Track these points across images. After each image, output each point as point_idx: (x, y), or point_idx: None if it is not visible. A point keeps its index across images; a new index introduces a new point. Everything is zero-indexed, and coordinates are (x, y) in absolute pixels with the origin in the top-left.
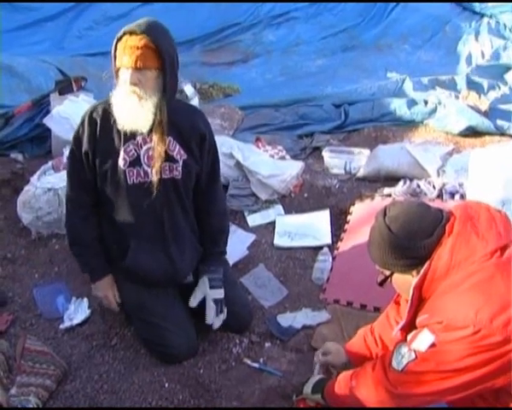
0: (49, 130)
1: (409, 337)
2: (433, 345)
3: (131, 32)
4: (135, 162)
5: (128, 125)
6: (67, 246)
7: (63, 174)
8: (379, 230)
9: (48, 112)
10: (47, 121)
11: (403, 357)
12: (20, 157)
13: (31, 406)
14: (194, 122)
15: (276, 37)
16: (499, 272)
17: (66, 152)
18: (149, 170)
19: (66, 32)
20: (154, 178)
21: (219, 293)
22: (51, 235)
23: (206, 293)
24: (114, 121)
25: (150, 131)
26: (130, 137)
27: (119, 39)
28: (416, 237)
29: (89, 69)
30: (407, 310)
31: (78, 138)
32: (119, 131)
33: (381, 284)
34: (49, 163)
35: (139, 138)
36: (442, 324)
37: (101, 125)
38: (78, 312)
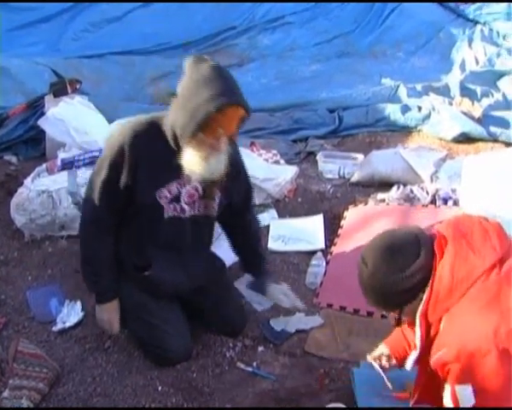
0: (43, 132)
1: (447, 401)
2: (474, 392)
3: (233, 104)
4: (174, 199)
5: (200, 176)
6: (61, 249)
7: (57, 177)
8: (369, 281)
9: (42, 114)
10: (41, 123)
11: None
12: (14, 159)
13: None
14: (232, 157)
15: (271, 41)
16: (503, 287)
17: (61, 154)
18: (186, 207)
19: (61, 34)
20: (188, 209)
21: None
22: (44, 237)
23: (283, 291)
24: (162, 155)
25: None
26: (176, 175)
27: (220, 111)
28: (406, 265)
29: (84, 72)
30: (418, 340)
31: (116, 166)
32: (163, 168)
33: (398, 324)
34: (43, 165)
35: (184, 176)
36: (461, 357)
37: (147, 159)
38: (71, 314)
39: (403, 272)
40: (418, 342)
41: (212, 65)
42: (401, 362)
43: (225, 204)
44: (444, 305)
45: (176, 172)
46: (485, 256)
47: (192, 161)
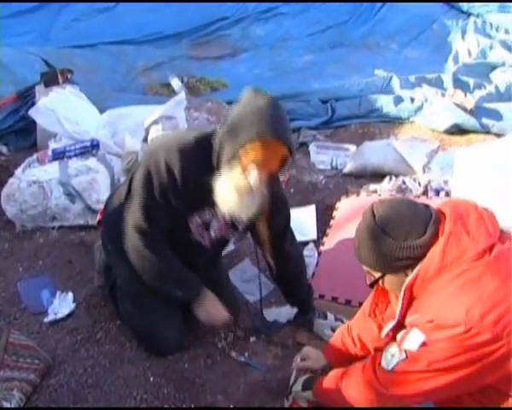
0: (34, 122)
1: (398, 337)
2: (423, 344)
3: (275, 138)
4: (204, 226)
5: (231, 213)
6: (52, 240)
7: (48, 167)
8: (369, 231)
9: (33, 104)
10: (32, 113)
11: (393, 357)
12: (4, 149)
13: (14, 401)
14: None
15: (264, 32)
16: (489, 270)
17: (52, 144)
18: (213, 235)
19: (52, 24)
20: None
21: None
22: (36, 228)
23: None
24: (205, 181)
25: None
26: (209, 203)
27: (262, 142)
28: (410, 238)
29: (75, 61)
30: (398, 310)
31: (165, 190)
32: (202, 194)
33: (372, 285)
34: (34, 156)
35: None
36: (433, 323)
37: (193, 183)
38: (62, 306)
39: (403, 241)
40: (397, 313)
41: (269, 98)
42: (336, 365)
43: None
44: (430, 282)
45: (212, 199)
46: (479, 240)
47: (225, 190)
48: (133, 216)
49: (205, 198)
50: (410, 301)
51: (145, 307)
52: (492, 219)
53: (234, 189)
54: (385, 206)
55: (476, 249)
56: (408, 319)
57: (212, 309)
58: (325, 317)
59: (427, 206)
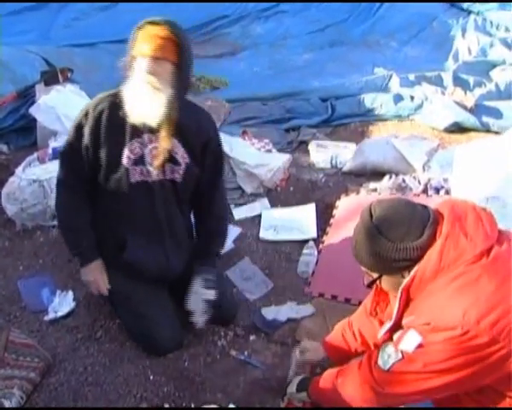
0: (34, 121)
1: (395, 337)
2: (420, 346)
3: (154, 23)
4: (138, 161)
5: (139, 116)
6: (52, 238)
7: (48, 166)
8: (367, 232)
9: (33, 103)
10: (33, 111)
11: (389, 357)
12: (4, 148)
13: (14, 399)
14: (200, 124)
15: (264, 30)
16: (486, 273)
17: (52, 143)
18: (152, 169)
19: (52, 22)
20: (154, 173)
21: (212, 294)
22: (36, 227)
23: (198, 292)
24: (121, 116)
25: (157, 129)
26: (136, 134)
27: (140, 28)
28: (407, 239)
29: (75, 60)
30: (395, 311)
31: (79, 129)
32: (124, 128)
33: (370, 286)
34: (35, 154)
35: (145, 136)
36: (430, 325)
37: (107, 119)
38: (62, 304)
39: (400, 243)
40: (394, 314)
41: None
42: (335, 358)
43: (195, 176)
44: (427, 284)
45: (136, 132)
46: (477, 243)
47: (128, 96)
48: (58, 171)
49: (128, 132)
50: (406, 302)
51: (139, 308)
52: (491, 219)
53: (133, 90)
54: (383, 206)
55: (474, 252)
56: (405, 321)
57: (91, 278)
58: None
59: (425, 207)
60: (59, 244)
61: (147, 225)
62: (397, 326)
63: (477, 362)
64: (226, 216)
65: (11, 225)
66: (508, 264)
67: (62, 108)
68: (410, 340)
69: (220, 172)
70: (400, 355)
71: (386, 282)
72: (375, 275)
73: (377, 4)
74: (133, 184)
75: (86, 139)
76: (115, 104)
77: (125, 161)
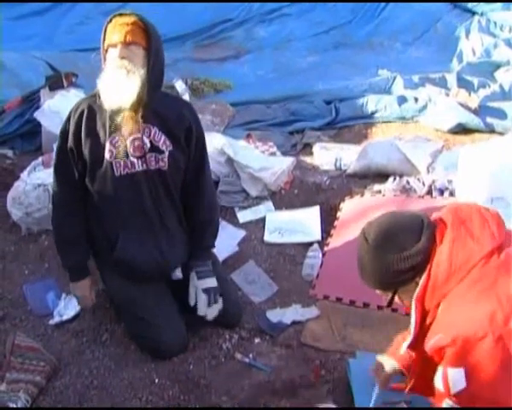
0: (39, 125)
1: (440, 387)
2: (467, 376)
3: (121, 14)
4: (121, 154)
5: (114, 100)
6: None
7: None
8: (368, 256)
9: (38, 108)
10: (38, 115)
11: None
12: (10, 153)
13: (20, 402)
14: (180, 113)
15: (267, 33)
16: (501, 274)
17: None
18: (136, 161)
19: (56, 27)
20: (138, 164)
21: (210, 282)
22: (41, 231)
23: (195, 285)
24: (100, 114)
25: (137, 119)
26: (116, 128)
27: (109, 22)
28: (406, 246)
29: (80, 65)
30: (413, 325)
31: (64, 133)
32: (104, 124)
33: (390, 305)
34: (39, 159)
35: (125, 130)
36: (457, 341)
37: (86, 118)
38: (68, 308)
39: (401, 253)
40: (412, 327)
41: None
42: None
43: (181, 163)
44: (441, 291)
45: (116, 125)
46: (484, 243)
47: (102, 86)
48: (52, 184)
49: (109, 127)
50: (423, 313)
51: (143, 312)
52: (498, 219)
53: (107, 77)
54: (373, 226)
55: (482, 252)
56: (432, 341)
57: (78, 294)
58: None
59: (414, 213)
60: None
61: (137, 220)
62: (417, 342)
63: None
64: (216, 204)
65: (16, 229)
66: None
67: (67, 113)
68: (455, 380)
69: (205, 157)
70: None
71: (401, 296)
72: (391, 293)
73: (381, 6)
74: (118, 177)
75: (70, 142)
76: (94, 103)
77: (107, 155)
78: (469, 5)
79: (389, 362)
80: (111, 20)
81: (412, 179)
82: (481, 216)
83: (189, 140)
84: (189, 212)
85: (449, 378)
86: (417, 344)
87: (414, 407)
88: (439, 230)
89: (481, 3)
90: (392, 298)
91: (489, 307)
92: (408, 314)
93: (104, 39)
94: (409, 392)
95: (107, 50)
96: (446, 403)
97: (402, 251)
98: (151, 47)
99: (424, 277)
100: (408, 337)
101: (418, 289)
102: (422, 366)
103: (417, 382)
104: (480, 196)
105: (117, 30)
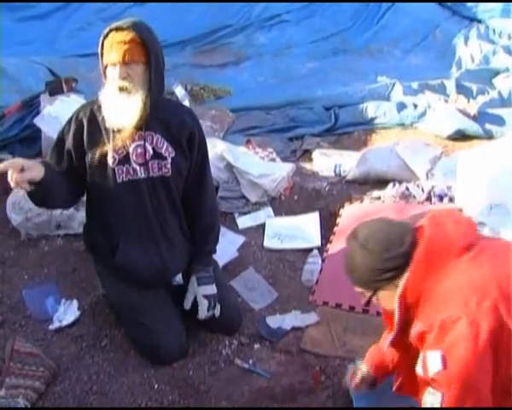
0: (39, 131)
1: (419, 371)
2: (443, 358)
3: (117, 29)
4: (124, 160)
5: (116, 122)
6: (57, 248)
7: None
8: (356, 253)
9: (38, 113)
10: (38, 121)
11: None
12: (9, 158)
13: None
14: (182, 119)
15: (267, 39)
16: (473, 264)
17: None
18: (138, 167)
19: (57, 33)
20: (141, 171)
21: (210, 289)
22: (41, 236)
23: (196, 291)
24: (102, 120)
25: (140, 128)
26: (119, 134)
27: (106, 37)
28: (391, 248)
29: (80, 70)
30: (396, 320)
31: (62, 136)
32: (107, 130)
33: (367, 304)
34: None
35: (127, 137)
36: (434, 326)
37: (88, 124)
38: (67, 313)
39: (385, 253)
40: (396, 323)
41: None
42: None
43: (184, 169)
44: (421, 285)
45: (119, 132)
46: (458, 240)
47: (105, 104)
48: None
49: (111, 132)
50: (406, 310)
51: (144, 318)
52: (470, 223)
53: (108, 98)
54: (363, 227)
55: (456, 247)
56: (413, 332)
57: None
58: None
59: (402, 221)
60: (64, 253)
61: (138, 226)
62: (401, 338)
63: (494, 345)
64: (217, 210)
65: (16, 234)
66: (492, 256)
67: (66, 118)
68: (432, 361)
69: (207, 163)
70: (439, 396)
71: (383, 297)
72: (370, 293)
73: (380, 12)
74: (120, 183)
75: (68, 144)
76: (97, 109)
77: (110, 161)
78: (468, 12)
79: (362, 367)
80: (107, 35)
81: (411, 186)
82: (455, 218)
83: (191, 146)
84: (190, 217)
85: (427, 361)
86: (401, 341)
87: (414, 407)
88: (419, 235)
89: (480, 10)
90: (371, 297)
91: (463, 293)
92: (380, 315)
93: (102, 55)
94: (396, 392)
95: (106, 66)
96: (428, 391)
97: (386, 252)
98: (151, 61)
99: (405, 275)
100: (391, 333)
101: (401, 287)
102: (409, 366)
103: (405, 382)
104: (479, 203)
105: (114, 49)
